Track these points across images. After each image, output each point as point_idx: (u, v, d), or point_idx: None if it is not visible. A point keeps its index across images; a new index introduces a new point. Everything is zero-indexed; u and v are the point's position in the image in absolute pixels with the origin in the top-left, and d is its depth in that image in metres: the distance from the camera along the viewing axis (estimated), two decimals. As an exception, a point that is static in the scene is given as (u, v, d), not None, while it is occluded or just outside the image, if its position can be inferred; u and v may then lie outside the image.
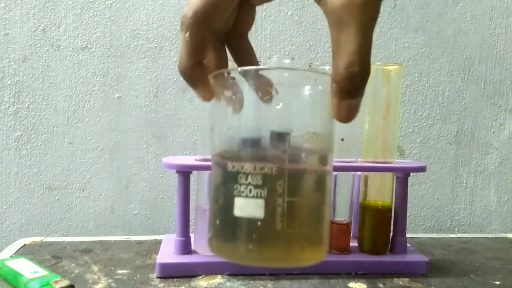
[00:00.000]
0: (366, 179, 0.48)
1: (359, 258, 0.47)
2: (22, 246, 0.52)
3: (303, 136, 0.23)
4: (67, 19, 0.62)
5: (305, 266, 0.23)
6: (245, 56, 0.28)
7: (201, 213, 0.46)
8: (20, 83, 0.62)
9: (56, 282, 0.37)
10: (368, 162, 0.47)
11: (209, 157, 0.45)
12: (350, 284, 0.43)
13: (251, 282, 0.43)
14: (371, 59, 0.22)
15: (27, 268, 0.39)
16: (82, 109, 0.63)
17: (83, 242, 0.54)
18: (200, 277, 0.43)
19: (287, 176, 0.22)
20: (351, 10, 0.21)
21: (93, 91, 0.63)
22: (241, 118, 0.23)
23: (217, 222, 0.23)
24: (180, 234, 0.45)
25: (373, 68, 0.47)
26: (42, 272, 0.39)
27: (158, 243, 0.52)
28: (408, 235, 0.49)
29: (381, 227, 0.47)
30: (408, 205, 0.49)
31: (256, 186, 0.22)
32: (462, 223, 0.70)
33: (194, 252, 0.46)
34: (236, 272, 0.44)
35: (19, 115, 0.62)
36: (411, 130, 0.68)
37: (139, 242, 0.54)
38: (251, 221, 0.22)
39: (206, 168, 0.44)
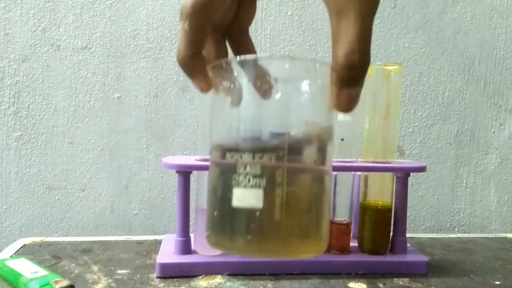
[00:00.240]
0: (366, 179, 0.48)
1: (359, 258, 0.47)
2: (22, 246, 0.52)
3: (302, 125, 0.23)
4: (67, 19, 0.62)
5: (304, 257, 0.23)
6: (245, 50, 0.29)
7: (201, 213, 0.46)
8: (20, 83, 0.62)
9: (56, 282, 0.37)
10: (368, 162, 0.47)
11: (209, 157, 0.45)
12: (350, 284, 0.43)
13: (251, 282, 0.43)
14: (371, 58, 0.22)
15: (27, 268, 0.39)
16: (82, 109, 0.63)
17: (83, 242, 0.54)
18: (200, 277, 0.43)
19: (286, 165, 0.22)
20: (352, 0, 0.21)
21: (93, 91, 0.63)
22: (239, 108, 0.23)
23: (215, 214, 0.23)
24: (180, 234, 0.45)
25: (373, 68, 0.47)
26: (42, 272, 0.39)
27: (158, 243, 0.52)
28: (408, 235, 0.49)
29: (381, 227, 0.47)
30: (408, 205, 0.49)
31: (254, 176, 0.22)
32: (462, 223, 0.70)
33: (194, 252, 0.46)
34: (236, 272, 0.44)
35: (19, 115, 0.62)
36: (411, 130, 0.68)
37: (139, 242, 0.54)
38: (249, 212, 0.22)
39: (206, 168, 0.44)
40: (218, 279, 0.43)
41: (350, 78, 0.22)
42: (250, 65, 0.23)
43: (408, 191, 0.49)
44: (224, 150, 0.23)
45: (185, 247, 0.45)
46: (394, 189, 0.48)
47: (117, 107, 0.63)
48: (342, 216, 0.47)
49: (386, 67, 0.46)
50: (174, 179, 0.62)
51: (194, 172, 0.46)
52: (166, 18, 0.63)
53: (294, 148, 0.22)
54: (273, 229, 0.22)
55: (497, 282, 0.45)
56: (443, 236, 0.62)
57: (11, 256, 0.48)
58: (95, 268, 0.45)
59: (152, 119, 0.64)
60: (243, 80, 0.23)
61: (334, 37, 0.22)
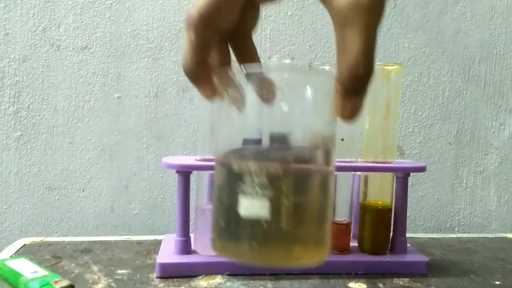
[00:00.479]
0: (366, 179, 0.48)
1: (359, 258, 0.47)
2: (22, 246, 0.52)
3: (307, 135, 0.23)
4: (67, 19, 0.62)
5: (308, 266, 0.23)
6: (248, 56, 0.29)
7: (201, 213, 0.46)
8: (20, 83, 0.62)
9: (56, 282, 0.37)
10: (368, 162, 0.47)
11: (209, 157, 0.45)
12: (350, 284, 0.43)
13: (251, 282, 0.43)
14: None
15: (27, 268, 0.39)
16: (82, 109, 0.63)
17: (83, 242, 0.54)
18: (200, 277, 0.43)
19: (292, 176, 0.22)
20: (357, 11, 0.21)
21: (93, 91, 0.63)
22: (245, 117, 0.23)
23: (222, 222, 0.23)
24: (180, 234, 0.45)
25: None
26: (42, 272, 0.39)
27: (158, 243, 0.52)
28: (408, 235, 0.49)
29: (381, 227, 0.47)
30: (408, 205, 0.49)
31: (261, 186, 0.22)
32: (462, 223, 0.70)
33: (194, 252, 0.46)
34: (236, 272, 0.44)
35: (19, 115, 0.62)
36: (411, 130, 0.68)
37: (139, 242, 0.54)
38: (256, 221, 0.22)
39: (206, 168, 0.44)
40: (218, 279, 0.43)
41: (354, 88, 0.22)
42: (257, 75, 0.23)
43: (408, 191, 0.49)
44: (230, 159, 0.23)
45: (185, 247, 0.45)
46: (394, 189, 0.48)
47: (117, 107, 0.63)
48: (342, 216, 0.47)
49: (386, 67, 0.46)
50: (174, 179, 0.62)
51: (194, 172, 0.46)
52: (166, 18, 0.63)
53: (300, 158, 0.23)
54: (278, 238, 0.22)
55: (497, 282, 0.45)
56: (443, 236, 0.62)
57: (11, 256, 0.48)
58: (95, 268, 0.45)
59: (152, 119, 0.64)
60: (248, 89, 0.23)
61: (339, 48, 0.22)
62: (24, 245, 0.53)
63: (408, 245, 0.49)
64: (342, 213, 0.47)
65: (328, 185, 0.24)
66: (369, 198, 0.48)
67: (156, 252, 0.48)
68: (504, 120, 0.70)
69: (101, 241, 0.55)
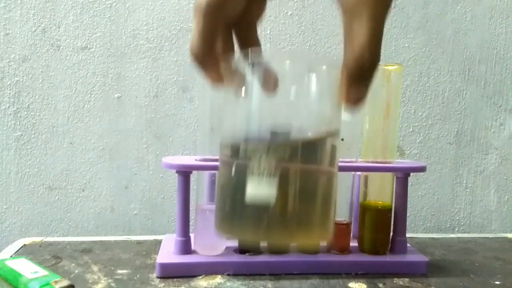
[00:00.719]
0: (366, 179, 0.48)
1: (359, 258, 0.47)
2: (22, 246, 0.52)
3: (314, 120, 0.24)
4: (67, 19, 0.62)
5: (313, 244, 0.24)
6: (252, 45, 0.29)
7: (201, 213, 0.46)
8: (20, 83, 0.62)
9: (56, 282, 0.37)
10: (368, 162, 0.47)
11: (209, 157, 0.45)
12: (350, 284, 0.43)
13: (251, 282, 0.43)
14: None
15: (27, 268, 0.39)
16: (82, 109, 0.63)
17: (83, 242, 0.54)
18: (200, 277, 0.43)
19: (299, 159, 0.23)
20: (364, 0, 0.22)
21: (93, 91, 0.63)
22: (251, 103, 0.24)
23: (228, 204, 0.24)
24: (180, 234, 0.45)
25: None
26: (42, 272, 0.39)
27: (158, 243, 0.52)
28: (408, 235, 0.49)
29: (381, 227, 0.47)
30: (408, 205, 0.49)
31: (268, 170, 0.22)
32: (462, 223, 0.70)
33: (194, 252, 0.46)
34: (236, 272, 0.44)
35: (19, 115, 0.62)
36: (411, 130, 0.68)
37: (139, 242, 0.54)
38: (263, 202, 0.22)
39: (206, 168, 0.44)
40: (218, 279, 0.43)
41: (360, 76, 0.23)
42: (263, 61, 0.24)
43: (408, 191, 0.49)
44: (237, 145, 0.24)
45: (185, 247, 0.45)
46: (394, 189, 0.48)
47: (117, 107, 0.63)
48: (342, 216, 0.47)
49: (386, 67, 0.46)
50: (174, 179, 0.62)
51: (194, 172, 0.46)
52: (166, 18, 0.63)
53: (307, 142, 0.24)
54: (285, 218, 0.23)
55: (497, 282, 0.45)
56: (443, 236, 0.62)
57: (11, 256, 0.48)
58: (95, 268, 0.45)
59: (152, 119, 0.64)
60: (253, 76, 0.24)
61: (346, 36, 0.23)
62: (24, 245, 0.53)
63: (408, 245, 0.49)
64: (342, 213, 0.47)
65: (334, 168, 0.25)
66: (369, 198, 0.48)
67: (156, 252, 0.48)
68: (504, 120, 0.70)
69: (101, 241, 0.55)
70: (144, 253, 0.51)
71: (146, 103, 0.64)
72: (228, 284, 0.42)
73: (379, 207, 0.47)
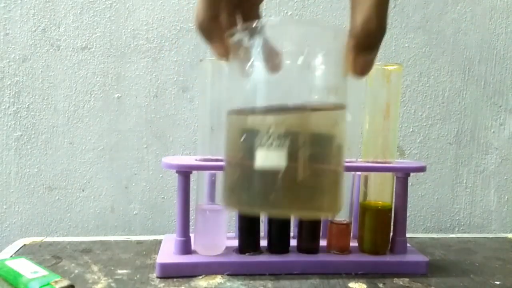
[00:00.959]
0: (366, 179, 0.48)
1: (359, 258, 0.47)
2: (22, 246, 0.52)
3: (321, 90, 0.24)
4: (67, 19, 0.62)
5: (323, 216, 0.24)
6: None
7: (201, 213, 0.46)
8: (20, 83, 0.62)
9: (56, 282, 0.37)
10: (368, 162, 0.47)
11: (209, 157, 0.45)
12: (350, 284, 0.43)
13: (251, 282, 0.43)
14: None
15: (27, 268, 0.39)
16: (82, 109, 0.63)
17: (83, 242, 0.54)
18: (200, 277, 0.43)
19: (308, 127, 0.23)
20: None
21: (93, 91, 0.63)
22: (260, 73, 0.24)
23: (236, 175, 0.24)
24: (180, 234, 0.45)
25: (373, 68, 0.46)
26: (42, 272, 0.39)
27: (158, 243, 0.52)
28: (408, 235, 0.49)
29: (381, 227, 0.47)
30: (408, 205, 0.49)
31: (277, 137, 0.22)
32: (462, 223, 0.70)
33: (194, 252, 0.46)
34: (236, 272, 0.44)
35: (19, 115, 0.62)
36: (411, 130, 0.68)
37: (139, 242, 0.54)
38: (272, 172, 0.22)
39: (206, 168, 0.44)
40: (218, 279, 0.43)
41: (367, 44, 0.23)
42: (269, 30, 0.24)
43: (408, 191, 0.49)
44: (247, 113, 0.23)
45: (185, 247, 0.45)
46: (394, 189, 0.48)
47: (117, 107, 0.63)
48: (342, 216, 0.47)
49: (386, 67, 0.46)
50: (174, 179, 0.62)
51: (194, 172, 0.46)
52: (166, 18, 0.63)
53: (315, 111, 0.23)
54: (295, 188, 0.23)
55: (497, 282, 0.45)
56: (443, 236, 0.62)
57: (11, 256, 0.48)
58: (95, 268, 0.45)
59: (152, 119, 0.64)
60: (263, 45, 0.24)
61: (353, 4, 0.23)
62: (24, 245, 0.53)
63: (408, 245, 0.49)
64: (342, 213, 0.47)
65: (342, 138, 0.25)
66: (369, 198, 0.48)
67: (156, 252, 0.48)
68: (504, 120, 0.70)
69: (101, 241, 0.55)
70: (144, 253, 0.51)
71: (146, 103, 0.64)
72: (228, 284, 0.42)
73: (379, 207, 0.47)
